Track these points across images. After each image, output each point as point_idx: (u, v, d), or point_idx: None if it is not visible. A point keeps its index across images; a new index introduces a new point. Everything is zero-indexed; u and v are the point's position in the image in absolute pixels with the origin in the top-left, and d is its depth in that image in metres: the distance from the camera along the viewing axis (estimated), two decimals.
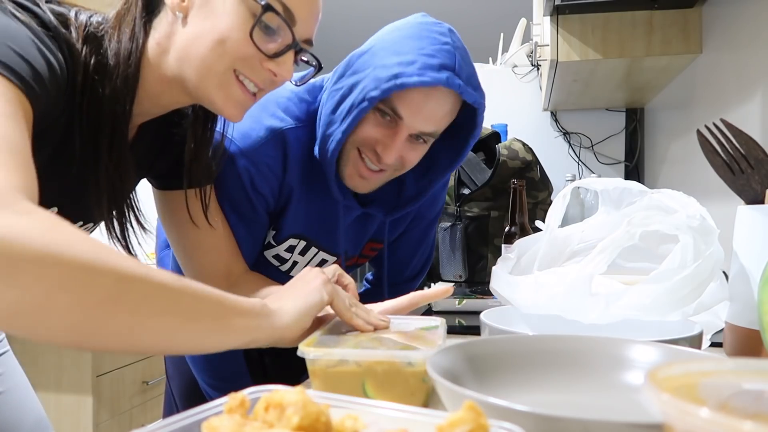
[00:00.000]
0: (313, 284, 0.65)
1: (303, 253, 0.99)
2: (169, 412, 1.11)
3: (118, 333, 0.45)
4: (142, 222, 0.81)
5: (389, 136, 0.84)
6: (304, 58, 0.77)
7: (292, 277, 1.01)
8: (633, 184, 0.78)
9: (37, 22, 0.60)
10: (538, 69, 2.50)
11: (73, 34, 0.65)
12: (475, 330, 0.75)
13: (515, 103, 2.55)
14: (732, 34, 1.36)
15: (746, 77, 1.29)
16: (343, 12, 3.76)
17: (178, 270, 0.90)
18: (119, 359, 2.19)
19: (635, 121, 2.43)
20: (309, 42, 0.74)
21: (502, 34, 2.85)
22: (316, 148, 0.90)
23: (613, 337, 0.53)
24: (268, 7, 0.66)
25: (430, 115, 0.84)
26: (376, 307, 0.74)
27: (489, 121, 2.13)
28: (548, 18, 1.61)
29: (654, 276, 0.63)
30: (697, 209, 0.69)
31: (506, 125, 2.29)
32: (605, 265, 0.65)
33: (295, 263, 1.00)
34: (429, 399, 0.53)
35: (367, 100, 0.81)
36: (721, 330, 0.71)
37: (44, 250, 0.40)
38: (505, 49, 2.73)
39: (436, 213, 1.15)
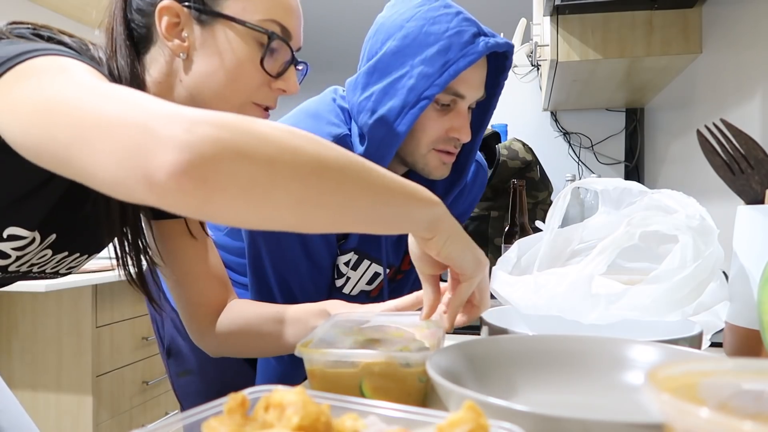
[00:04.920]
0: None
1: (355, 267, 0.98)
2: None
3: (333, 211, 0.47)
4: (145, 243, 0.80)
5: (455, 118, 0.90)
6: (299, 67, 0.79)
7: (345, 294, 1.00)
8: (633, 184, 0.78)
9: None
10: (538, 69, 2.50)
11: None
12: (475, 330, 0.75)
13: (515, 103, 2.55)
14: (732, 34, 1.36)
15: (746, 77, 1.29)
16: (344, 12, 3.76)
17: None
18: (119, 360, 2.19)
19: (635, 121, 2.43)
20: (299, 50, 0.76)
21: (502, 34, 2.84)
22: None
23: (613, 337, 0.53)
24: (273, 36, 0.68)
25: (482, 82, 0.92)
26: (378, 307, 0.74)
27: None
28: (548, 18, 1.61)
29: (654, 276, 0.63)
30: (697, 209, 0.69)
31: (506, 125, 2.29)
32: (605, 265, 0.64)
33: (348, 278, 0.99)
34: (427, 399, 0.53)
35: (426, 98, 0.85)
36: (721, 330, 0.71)
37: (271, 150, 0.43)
38: None
39: (460, 213, 1.14)
